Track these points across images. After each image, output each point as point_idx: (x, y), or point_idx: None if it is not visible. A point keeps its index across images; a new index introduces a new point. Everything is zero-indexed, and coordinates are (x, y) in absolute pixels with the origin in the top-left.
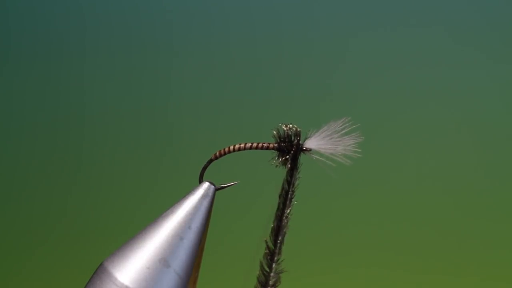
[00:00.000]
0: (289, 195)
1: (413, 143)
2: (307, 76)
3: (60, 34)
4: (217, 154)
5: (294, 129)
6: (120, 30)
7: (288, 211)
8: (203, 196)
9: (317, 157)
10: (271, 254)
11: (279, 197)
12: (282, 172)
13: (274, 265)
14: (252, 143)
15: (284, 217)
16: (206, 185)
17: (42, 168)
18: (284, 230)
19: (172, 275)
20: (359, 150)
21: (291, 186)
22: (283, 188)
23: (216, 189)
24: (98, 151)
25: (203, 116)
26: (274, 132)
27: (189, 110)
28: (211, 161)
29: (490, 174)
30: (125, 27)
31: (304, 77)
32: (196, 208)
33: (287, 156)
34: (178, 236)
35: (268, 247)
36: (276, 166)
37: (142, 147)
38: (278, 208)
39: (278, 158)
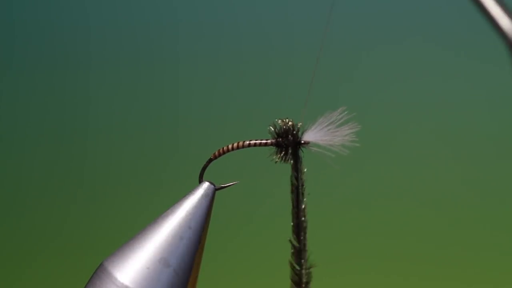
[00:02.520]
0: (299, 190)
1: (413, 154)
2: (304, 75)
3: (66, 43)
4: (216, 153)
5: (291, 123)
6: (125, 37)
7: (303, 206)
8: (203, 196)
9: (316, 149)
10: (298, 252)
11: (291, 193)
12: (282, 169)
13: (303, 262)
14: (250, 141)
15: (300, 213)
16: (206, 185)
17: (46, 169)
18: (305, 225)
19: (172, 275)
20: (357, 139)
21: (300, 180)
22: (292, 184)
23: (216, 189)
24: (99, 151)
25: (203, 116)
26: (271, 128)
27: (188, 111)
28: (210, 160)
29: (487, 184)
30: (130, 34)
31: (301, 75)
32: (196, 208)
33: (286, 151)
34: (178, 236)
35: (293, 246)
36: (276, 162)
37: (141, 147)
38: (293, 206)
39: (277, 154)
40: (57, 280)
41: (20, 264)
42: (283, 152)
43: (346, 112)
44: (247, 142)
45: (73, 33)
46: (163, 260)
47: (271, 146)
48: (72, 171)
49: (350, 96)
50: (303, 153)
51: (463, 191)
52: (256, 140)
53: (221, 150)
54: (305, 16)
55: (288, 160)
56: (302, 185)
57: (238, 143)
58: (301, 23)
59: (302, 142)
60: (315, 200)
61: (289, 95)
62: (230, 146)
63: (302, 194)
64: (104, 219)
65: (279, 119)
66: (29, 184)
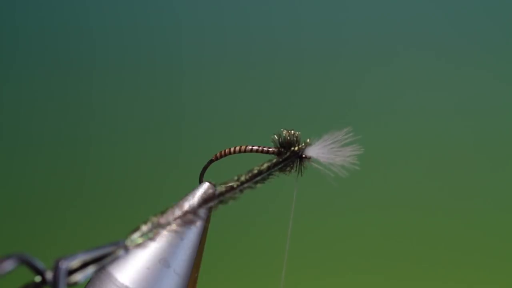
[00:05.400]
0: (257, 179)
1: (409, 159)
2: (311, 76)
3: (69, 47)
4: (218, 155)
5: (296, 135)
6: (128, 41)
7: (245, 187)
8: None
9: (316, 165)
10: (206, 199)
11: (247, 172)
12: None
13: (205, 206)
14: (252, 146)
15: (237, 189)
16: (206, 185)
17: (48, 168)
18: (226, 199)
19: (172, 275)
20: (358, 162)
21: (265, 173)
22: (260, 167)
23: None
24: (99, 152)
25: (204, 118)
26: (275, 137)
27: (188, 112)
28: (211, 161)
29: (485, 190)
30: (134, 38)
31: (308, 76)
32: None
33: (285, 159)
34: (178, 236)
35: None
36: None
37: (142, 148)
38: (238, 179)
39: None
40: None
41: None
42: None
43: (351, 134)
44: (249, 147)
45: (76, 37)
46: (163, 261)
47: (273, 155)
48: (73, 172)
49: (353, 106)
50: (304, 167)
51: (459, 197)
52: (259, 146)
53: (223, 152)
54: (313, 21)
55: (286, 171)
56: (263, 179)
57: (241, 147)
58: (309, 27)
59: (304, 156)
60: (316, 202)
61: (293, 102)
62: (232, 149)
63: (255, 182)
64: (104, 219)
65: (285, 129)
66: (32, 183)
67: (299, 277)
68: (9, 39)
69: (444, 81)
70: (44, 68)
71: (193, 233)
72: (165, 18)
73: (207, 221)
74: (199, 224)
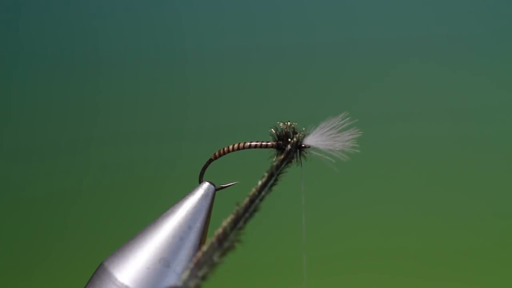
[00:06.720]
0: (271, 181)
1: (410, 159)
2: (307, 76)
3: (71, 50)
4: (217, 154)
5: (292, 126)
6: (129, 42)
7: (264, 193)
8: (203, 196)
9: (316, 153)
10: (235, 221)
11: (261, 178)
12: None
13: (232, 234)
14: (251, 142)
15: (257, 198)
16: (206, 185)
17: (48, 168)
18: (254, 210)
19: (172, 275)
20: (357, 145)
21: (276, 174)
22: (270, 171)
23: (216, 189)
24: (99, 152)
25: (204, 117)
26: (272, 130)
27: (189, 112)
28: (210, 161)
29: (485, 191)
30: (134, 39)
31: (304, 77)
32: (196, 208)
33: (287, 153)
34: (178, 236)
35: (236, 212)
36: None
37: (142, 147)
38: (256, 188)
39: (278, 156)
40: (58, 280)
41: (21, 265)
42: (283, 155)
43: (348, 118)
44: (248, 144)
45: (77, 39)
46: (163, 261)
47: (272, 148)
48: (73, 172)
49: (353, 108)
50: (305, 157)
51: (460, 198)
52: (257, 141)
53: (221, 151)
54: (312, 21)
55: (281, 156)
56: (276, 180)
57: (239, 144)
58: (311, 27)
59: (303, 145)
60: (315, 201)
61: (293, 103)
62: (230, 147)
63: (270, 186)
64: (104, 219)
65: (281, 121)
66: (33, 184)
67: (298, 276)
68: (11, 40)
69: (444, 85)
70: (46, 69)
71: (193, 233)
72: (166, 21)
73: (207, 221)
74: (198, 224)
